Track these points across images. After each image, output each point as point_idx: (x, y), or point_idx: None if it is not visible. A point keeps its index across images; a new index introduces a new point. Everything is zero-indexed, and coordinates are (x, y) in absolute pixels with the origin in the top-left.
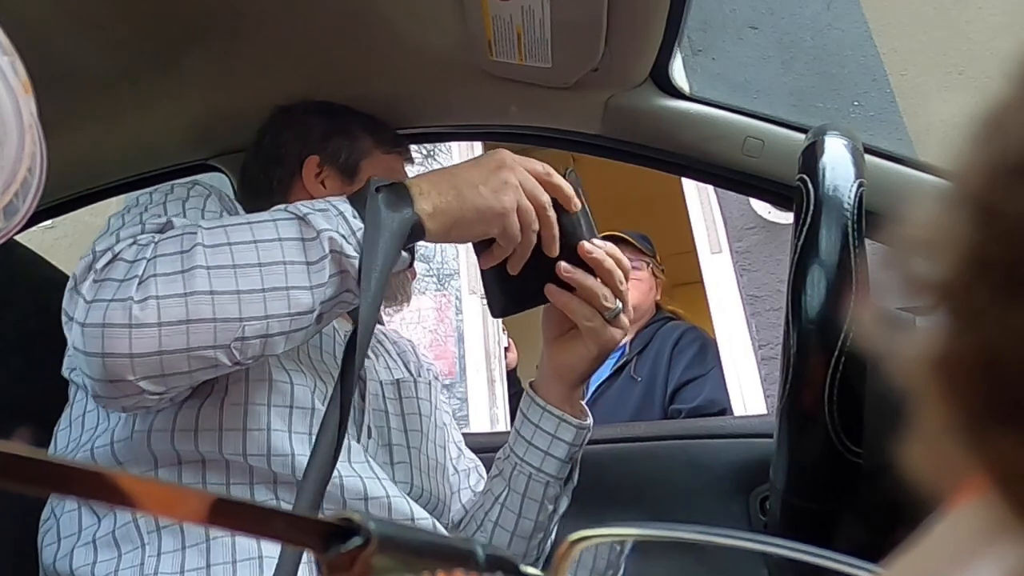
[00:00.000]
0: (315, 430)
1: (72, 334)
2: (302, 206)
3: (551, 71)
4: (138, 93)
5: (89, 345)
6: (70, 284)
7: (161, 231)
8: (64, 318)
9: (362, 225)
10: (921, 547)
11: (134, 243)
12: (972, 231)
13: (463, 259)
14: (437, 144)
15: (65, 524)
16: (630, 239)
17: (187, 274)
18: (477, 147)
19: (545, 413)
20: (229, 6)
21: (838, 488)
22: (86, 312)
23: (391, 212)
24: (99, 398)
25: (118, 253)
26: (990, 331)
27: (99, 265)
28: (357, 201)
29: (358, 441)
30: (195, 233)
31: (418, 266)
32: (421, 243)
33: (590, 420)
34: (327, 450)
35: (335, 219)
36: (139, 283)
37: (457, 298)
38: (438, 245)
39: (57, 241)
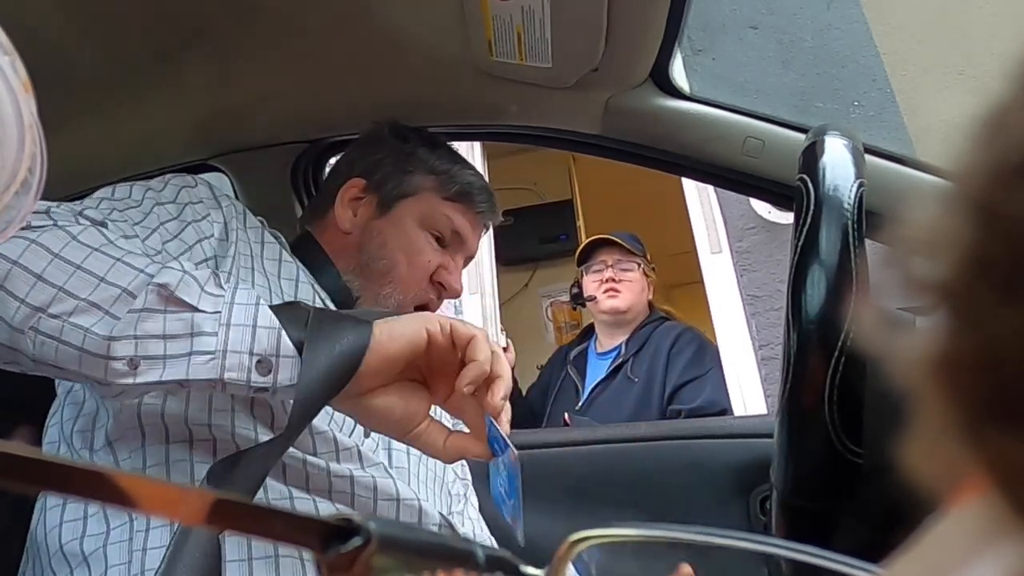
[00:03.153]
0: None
1: None
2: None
3: (551, 71)
4: (138, 93)
5: None
6: None
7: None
8: None
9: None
10: (921, 547)
11: (48, 220)
12: (972, 231)
13: None
14: None
15: (53, 497)
16: (618, 240)
17: (30, 247)
18: (477, 147)
19: None
20: (229, 6)
21: (838, 488)
22: None
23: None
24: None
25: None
26: (990, 331)
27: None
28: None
29: (366, 437)
30: (67, 229)
31: None
32: None
33: None
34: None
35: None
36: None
37: (457, 298)
38: None
39: None
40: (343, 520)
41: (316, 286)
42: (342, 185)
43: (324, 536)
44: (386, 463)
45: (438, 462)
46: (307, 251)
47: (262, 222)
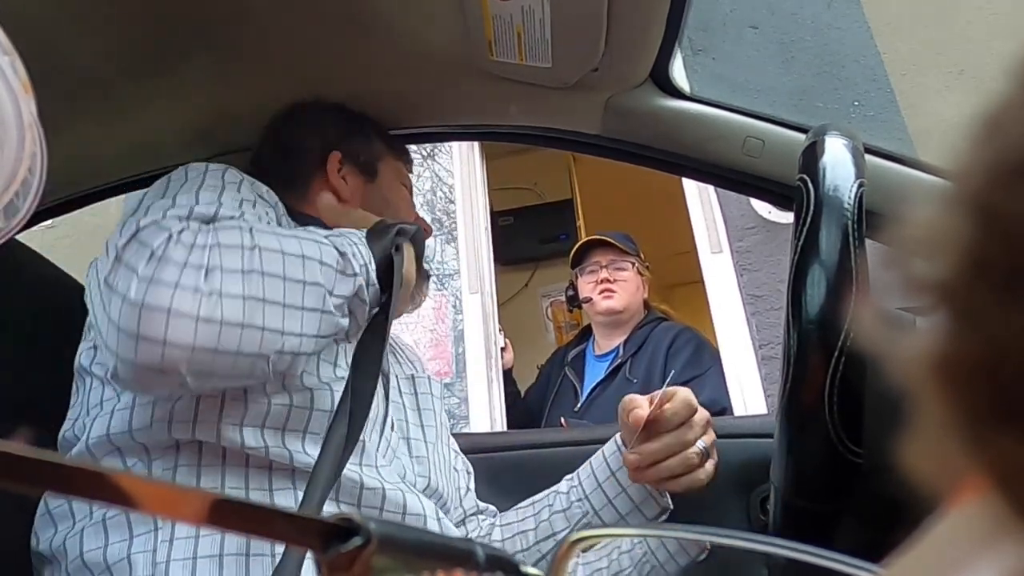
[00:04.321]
0: (312, 428)
1: (118, 310)
2: (336, 239)
3: (551, 71)
4: (138, 93)
5: (146, 328)
6: (111, 254)
7: (209, 221)
8: (103, 290)
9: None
10: (921, 547)
11: (186, 227)
12: (972, 231)
13: (463, 259)
14: (437, 144)
15: (79, 506)
16: (611, 240)
17: (248, 276)
18: (476, 147)
19: (636, 485)
20: (229, 6)
21: (838, 488)
22: (144, 291)
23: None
24: (128, 383)
25: (173, 232)
26: (990, 331)
27: (150, 240)
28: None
29: (381, 434)
30: (251, 230)
31: None
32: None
33: (670, 505)
34: (337, 449)
35: (360, 263)
36: (206, 272)
37: (457, 298)
38: (437, 245)
39: (57, 241)
40: (343, 520)
41: None
42: (315, 162)
43: (324, 536)
44: (407, 453)
45: (444, 447)
46: (310, 225)
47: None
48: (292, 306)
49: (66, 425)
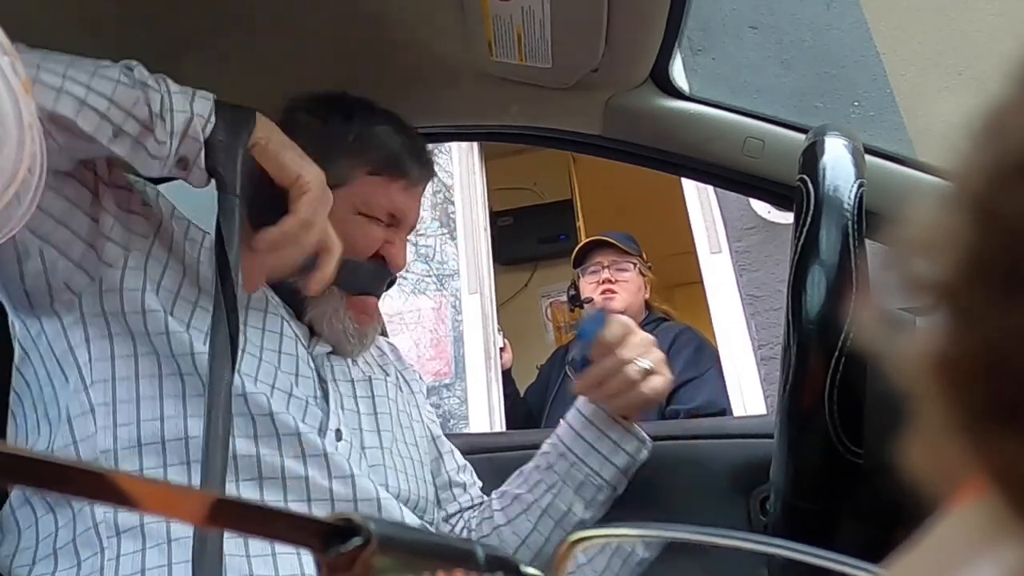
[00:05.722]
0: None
1: None
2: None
3: (551, 71)
4: None
5: None
6: None
7: None
8: None
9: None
10: (921, 547)
11: None
12: (972, 231)
13: (463, 259)
14: (437, 144)
15: (25, 539)
16: (613, 241)
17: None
18: (476, 147)
19: (614, 422)
20: (229, 7)
21: (838, 488)
22: None
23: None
24: None
25: None
26: (990, 331)
27: None
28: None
29: (323, 444)
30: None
31: (417, 266)
32: (421, 243)
33: (649, 442)
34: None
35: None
36: None
37: (456, 298)
38: (438, 245)
39: None
40: (343, 520)
41: (269, 292)
42: None
43: (324, 536)
44: (360, 461)
45: (407, 448)
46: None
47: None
48: (56, 60)
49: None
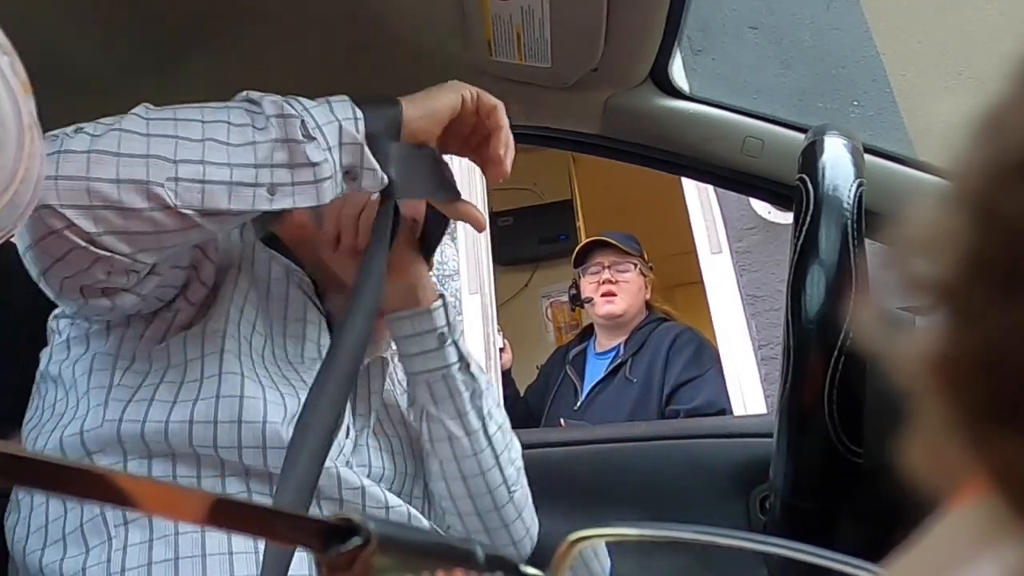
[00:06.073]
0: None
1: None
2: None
3: (551, 71)
4: (138, 93)
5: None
6: None
7: None
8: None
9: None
10: (921, 547)
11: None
12: (972, 231)
13: (463, 259)
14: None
15: (35, 519)
16: (613, 241)
17: (123, 120)
18: None
19: (398, 323)
20: (229, 6)
21: (838, 488)
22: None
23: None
24: (33, 263)
25: (68, 131)
26: (990, 331)
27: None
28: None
29: (353, 428)
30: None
31: None
32: None
33: (440, 299)
34: (317, 442)
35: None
36: (93, 137)
37: (456, 298)
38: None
39: None
40: (343, 520)
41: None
42: None
43: (324, 536)
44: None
45: (394, 426)
46: (277, 251)
47: None
48: (186, 137)
49: (23, 431)
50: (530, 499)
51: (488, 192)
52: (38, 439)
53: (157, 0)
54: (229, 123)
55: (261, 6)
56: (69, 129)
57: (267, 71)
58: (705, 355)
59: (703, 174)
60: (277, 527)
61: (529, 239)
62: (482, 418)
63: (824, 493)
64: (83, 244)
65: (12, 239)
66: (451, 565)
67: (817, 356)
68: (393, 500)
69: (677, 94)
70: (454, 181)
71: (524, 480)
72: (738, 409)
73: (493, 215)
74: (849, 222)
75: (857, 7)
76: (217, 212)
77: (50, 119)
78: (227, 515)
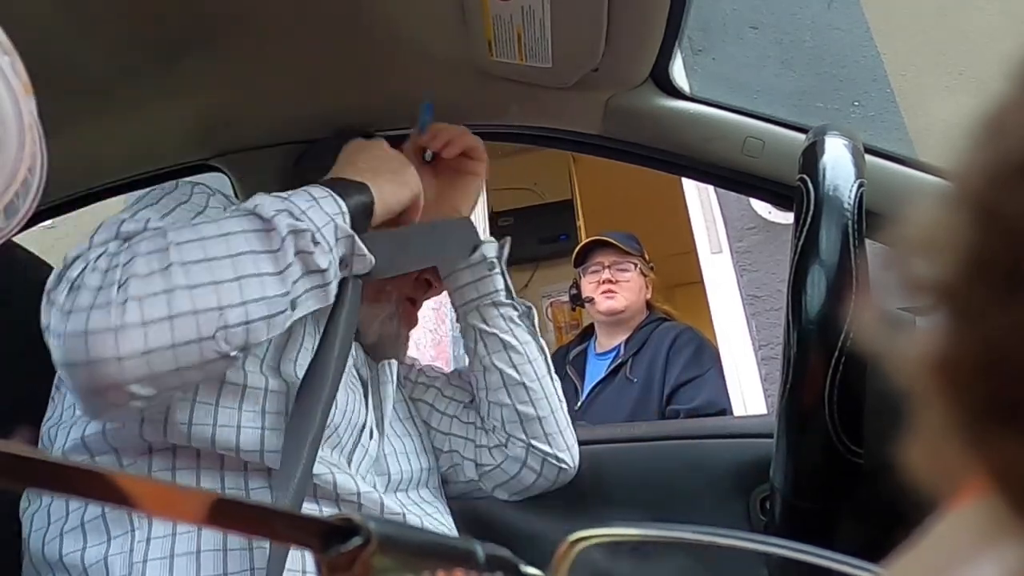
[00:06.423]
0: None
1: (52, 346)
2: (265, 200)
3: (551, 71)
4: (138, 93)
5: (72, 355)
6: (45, 295)
7: (130, 238)
8: (44, 332)
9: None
10: (921, 547)
11: (105, 251)
12: (972, 231)
13: None
14: None
15: (56, 508)
16: (614, 241)
17: (164, 272)
18: None
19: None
20: (229, 6)
21: (838, 488)
22: (65, 322)
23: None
24: (88, 411)
25: (91, 260)
26: (990, 331)
27: (72, 273)
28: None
29: (357, 443)
30: (165, 234)
31: None
32: None
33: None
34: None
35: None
36: (118, 287)
37: None
38: None
39: (57, 241)
40: (343, 520)
41: None
42: None
43: (324, 536)
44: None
45: (395, 427)
46: None
47: None
48: (223, 280)
49: (42, 430)
50: None
51: (488, 192)
52: (57, 436)
53: (157, 1)
54: (254, 252)
55: (261, 6)
56: (113, 272)
57: (266, 71)
58: (705, 355)
59: (703, 174)
60: (277, 527)
61: (529, 239)
62: (533, 333)
63: (824, 493)
64: (140, 406)
65: (12, 239)
66: (451, 565)
67: (817, 356)
68: (394, 507)
69: (677, 94)
70: (437, 247)
71: None
72: (738, 409)
73: (493, 215)
74: (850, 222)
75: (858, 7)
76: (257, 344)
77: (50, 119)
78: (227, 515)
